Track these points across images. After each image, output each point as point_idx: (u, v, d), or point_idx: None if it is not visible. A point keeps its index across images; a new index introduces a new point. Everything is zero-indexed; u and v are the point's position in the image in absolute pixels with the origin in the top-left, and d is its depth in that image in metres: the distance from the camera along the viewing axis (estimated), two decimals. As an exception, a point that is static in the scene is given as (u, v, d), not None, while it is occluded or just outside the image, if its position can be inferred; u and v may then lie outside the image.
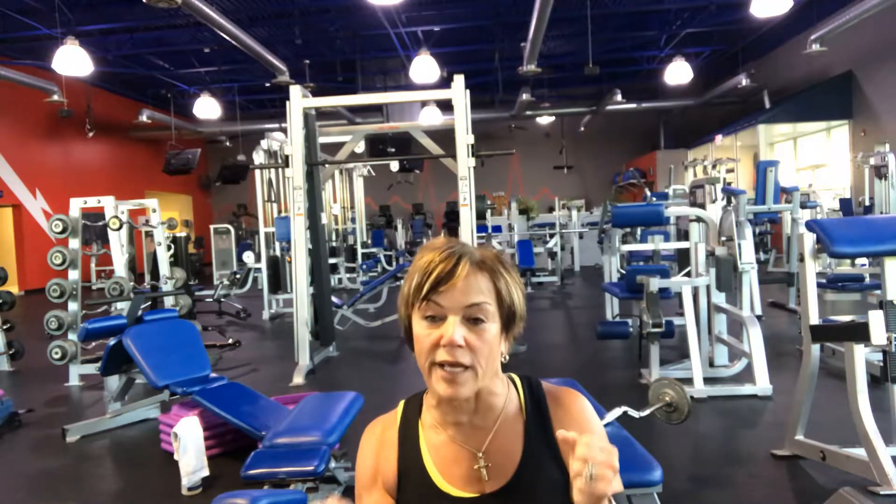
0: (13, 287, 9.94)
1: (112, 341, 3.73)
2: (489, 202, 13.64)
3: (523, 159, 18.74)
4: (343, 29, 12.12)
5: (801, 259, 2.89)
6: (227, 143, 17.77)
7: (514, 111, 15.61)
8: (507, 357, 1.00)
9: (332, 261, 10.10)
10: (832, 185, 12.49)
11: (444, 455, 0.98)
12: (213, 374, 3.79)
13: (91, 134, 14.14)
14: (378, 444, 1.03)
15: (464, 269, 0.91)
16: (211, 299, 8.46)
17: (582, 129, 18.26)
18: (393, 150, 9.15)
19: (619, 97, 14.65)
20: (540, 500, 0.95)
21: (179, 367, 3.66)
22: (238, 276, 10.71)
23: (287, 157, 5.35)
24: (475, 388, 0.93)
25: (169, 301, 5.98)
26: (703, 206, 5.37)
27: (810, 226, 2.87)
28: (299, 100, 5.33)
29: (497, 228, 12.51)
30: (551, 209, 13.96)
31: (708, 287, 4.44)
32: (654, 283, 4.07)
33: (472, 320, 0.91)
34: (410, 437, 1.01)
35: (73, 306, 5.38)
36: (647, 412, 2.37)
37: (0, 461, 3.64)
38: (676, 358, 4.80)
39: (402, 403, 1.06)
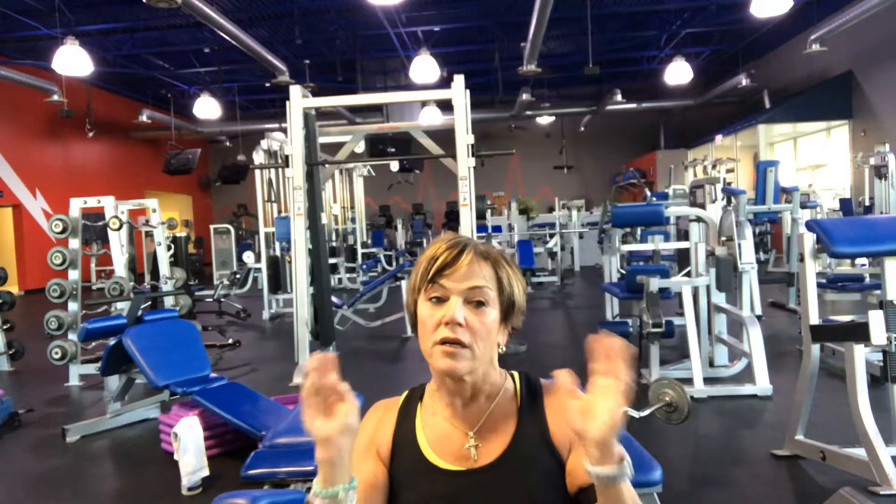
0: (13, 287, 9.94)
1: (112, 341, 3.73)
2: (489, 202, 13.64)
3: (523, 159, 18.73)
4: (343, 29, 12.12)
5: (801, 259, 2.89)
6: (227, 143, 17.76)
7: (514, 111, 15.61)
8: (505, 349, 1.05)
9: (332, 261, 10.11)
10: (832, 185, 12.49)
11: (438, 432, 1.04)
12: (213, 374, 3.79)
13: (91, 134, 14.13)
14: (377, 422, 1.09)
15: (468, 256, 0.99)
16: (211, 299, 8.46)
17: (582, 129, 18.26)
18: (393, 150, 9.14)
19: (619, 97, 14.65)
20: (526, 479, 0.98)
21: (179, 367, 3.66)
22: (238, 276, 10.71)
23: (287, 157, 5.35)
24: (471, 367, 0.97)
25: (169, 301, 5.98)
26: (703, 206, 5.37)
27: (810, 226, 2.87)
28: (299, 100, 5.32)
29: (497, 228, 12.51)
30: (551, 209, 13.96)
31: (708, 287, 4.44)
32: (654, 283, 4.08)
33: (474, 303, 0.97)
34: (409, 416, 1.07)
35: (73, 306, 5.38)
36: (647, 412, 2.36)
37: (0, 461, 3.64)
38: (676, 358, 4.80)
39: (406, 392, 1.13)
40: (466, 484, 0.99)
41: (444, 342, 0.95)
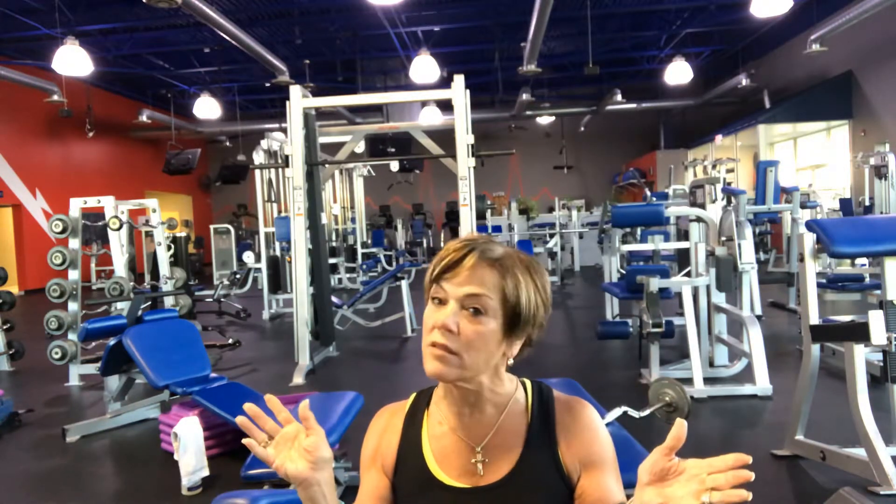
0: (13, 287, 9.94)
1: (112, 341, 3.73)
2: (489, 202, 13.65)
3: (523, 159, 18.73)
4: (343, 29, 12.12)
5: (801, 259, 2.89)
6: (227, 143, 17.77)
7: (514, 111, 15.61)
8: (512, 361, 1.00)
9: (332, 261, 10.10)
10: (832, 185, 12.49)
11: (444, 446, 1.01)
12: (213, 374, 3.79)
13: (91, 134, 14.13)
14: (383, 429, 1.06)
15: (470, 260, 0.94)
16: (211, 299, 8.45)
17: (582, 129, 18.26)
18: (393, 150, 9.14)
19: (619, 97, 14.64)
20: (532, 500, 0.96)
21: (179, 367, 3.66)
22: (238, 276, 10.71)
23: (287, 157, 5.35)
24: (460, 375, 0.94)
25: (169, 301, 5.98)
26: (703, 206, 5.37)
27: (810, 226, 2.87)
28: (299, 100, 5.33)
29: (497, 228, 12.52)
30: (551, 209, 13.96)
31: (708, 287, 4.44)
32: (654, 283, 4.07)
33: (472, 310, 0.93)
34: (415, 425, 1.04)
35: (73, 306, 5.38)
36: (647, 412, 2.37)
37: (0, 461, 3.64)
38: (676, 358, 4.79)
39: (413, 395, 1.09)
40: (471, 503, 0.97)
41: (433, 345, 0.93)
